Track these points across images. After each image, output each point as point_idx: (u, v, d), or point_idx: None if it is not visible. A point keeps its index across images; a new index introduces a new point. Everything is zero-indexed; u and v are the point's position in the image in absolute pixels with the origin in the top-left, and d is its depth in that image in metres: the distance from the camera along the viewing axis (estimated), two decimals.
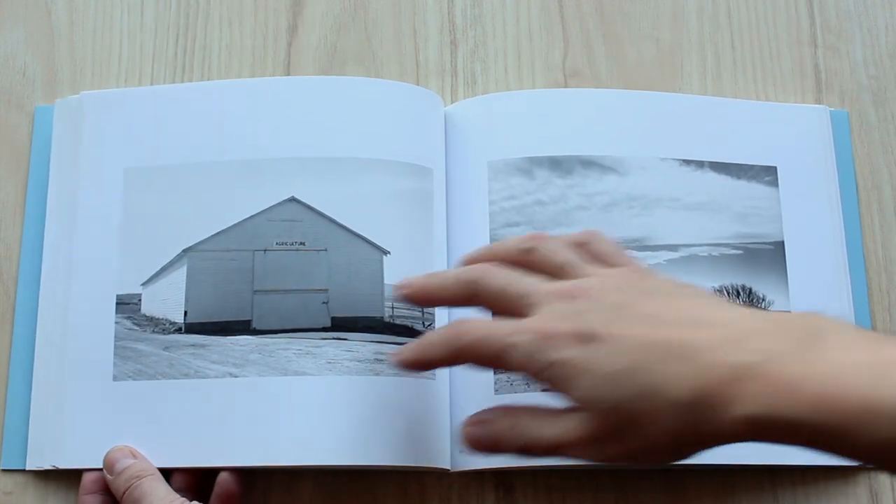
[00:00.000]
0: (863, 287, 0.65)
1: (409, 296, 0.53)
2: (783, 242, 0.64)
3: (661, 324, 0.45)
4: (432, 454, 0.59)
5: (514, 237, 0.54)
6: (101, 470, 0.58)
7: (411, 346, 0.51)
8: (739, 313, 0.46)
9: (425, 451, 0.59)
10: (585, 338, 0.45)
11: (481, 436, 0.49)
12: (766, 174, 0.65)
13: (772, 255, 0.64)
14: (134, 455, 0.58)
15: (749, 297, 0.63)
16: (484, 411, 0.50)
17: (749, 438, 0.42)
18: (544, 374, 0.46)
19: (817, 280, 0.64)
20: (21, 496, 0.61)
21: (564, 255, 0.51)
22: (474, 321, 0.50)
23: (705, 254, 0.64)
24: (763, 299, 0.63)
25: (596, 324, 0.45)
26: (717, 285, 0.63)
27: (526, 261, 0.51)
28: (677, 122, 0.66)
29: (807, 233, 0.65)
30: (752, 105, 0.68)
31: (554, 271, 0.51)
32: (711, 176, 0.65)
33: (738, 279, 0.63)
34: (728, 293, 0.63)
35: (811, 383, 0.41)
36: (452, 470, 0.59)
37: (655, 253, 0.63)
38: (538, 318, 0.47)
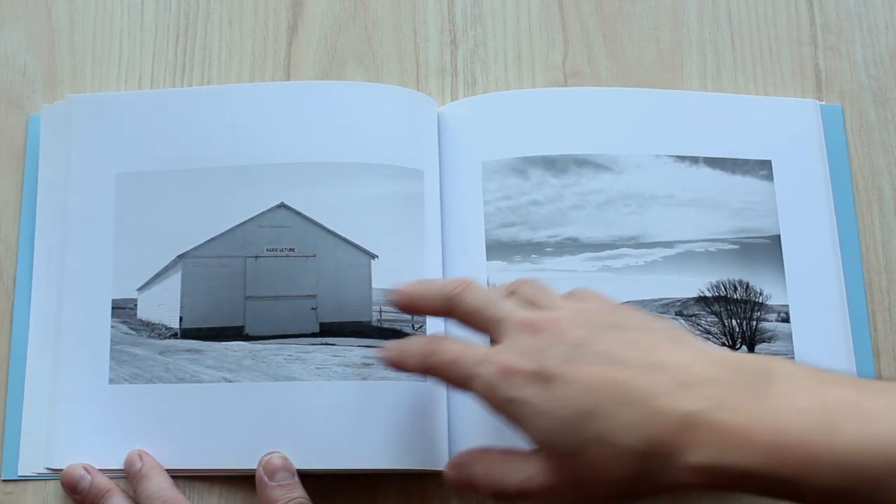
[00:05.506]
0: (858, 280, 0.64)
1: (395, 302, 0.55)
2: (779, 236, 0.64)
3: (617, 364, 0.45)
4: (428, 456, 0.59)
5: (442, 281, 0.55)
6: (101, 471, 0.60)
7: (393, 348, 0.53)
8: (695, 354, 0.45)
9: (421, 453, 0.59)
10: (542, 377, 0.45)
11: (460, 480, 0.51)
12: (761, 168, 0.65)
13: (768, 250, 0.64)
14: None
15: (746, 292, 0.63)
16: (464, 454, 0.52)
17: (705, 486, 0.42)
18: (504, 410, 0.47)
19: (814, 273, 0.64)
20: (21, 496, 0.61)
21: (488, 305, 0.51)
22: (448, 342, 0.51)
23: (701, 250, 0.63)
24: (760, 293, 0.63)
25: (553, 363, 0.46)
26: (714, 281, 0.63)
27: (448, 308, 0.53)
28: (670, 119, 0.66)
29: (802, 226, 0.64)
30: (743, 99, 0.68)
31: (480, 320, 0.51)
32: (706, 171, 0.65)
33: (734, 274, 0.63)
34: (725, 288, 0.63)
35: (759, 432, 0.40)
36: None
37: (651, 250, 0.63)
38: (503, 351, 0.48)
